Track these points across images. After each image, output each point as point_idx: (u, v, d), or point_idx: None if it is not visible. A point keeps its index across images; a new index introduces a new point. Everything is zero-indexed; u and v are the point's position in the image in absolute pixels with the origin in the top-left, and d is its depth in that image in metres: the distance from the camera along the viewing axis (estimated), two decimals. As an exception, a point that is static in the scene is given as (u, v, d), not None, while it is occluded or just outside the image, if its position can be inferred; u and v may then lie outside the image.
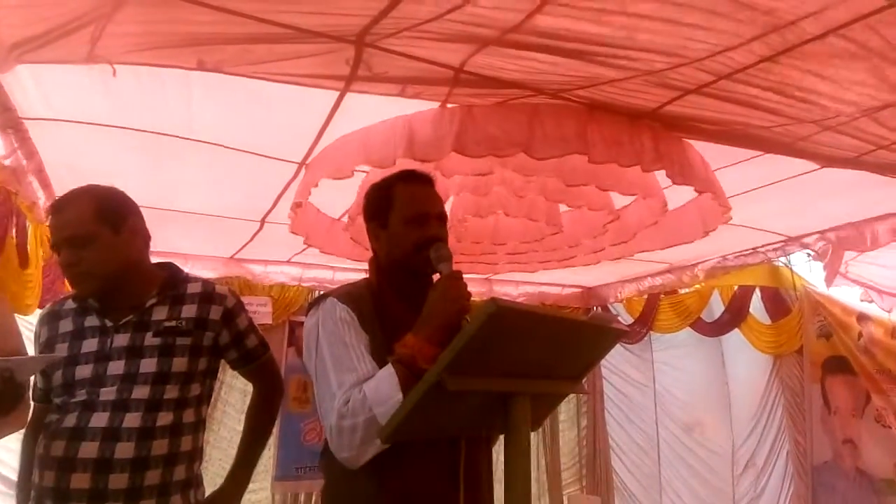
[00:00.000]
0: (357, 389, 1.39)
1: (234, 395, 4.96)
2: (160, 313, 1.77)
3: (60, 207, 1.75)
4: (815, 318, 4.81)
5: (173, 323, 1.77)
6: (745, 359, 5.38)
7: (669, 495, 5.71)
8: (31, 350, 1.92)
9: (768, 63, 1.93)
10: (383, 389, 1.35)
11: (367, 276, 1.72)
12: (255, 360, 1.96)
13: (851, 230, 3.88)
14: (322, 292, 1.88)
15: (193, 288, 1.86)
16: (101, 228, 1.73)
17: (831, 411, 4.64)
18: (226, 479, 1.96)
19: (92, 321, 1.76)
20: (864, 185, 3.04)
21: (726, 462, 5.41)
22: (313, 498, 5.06)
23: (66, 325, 1.78)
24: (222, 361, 1.94)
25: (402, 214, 1.62)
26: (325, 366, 1.46)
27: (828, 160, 2.76)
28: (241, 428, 2.06)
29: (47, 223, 1.80)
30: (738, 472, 5.30)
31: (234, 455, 2.02)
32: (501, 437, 1.32)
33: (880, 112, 2.21)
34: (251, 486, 2.05)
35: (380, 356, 1.45)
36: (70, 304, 1.82)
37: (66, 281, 3.35)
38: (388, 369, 1.38)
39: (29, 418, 1.82)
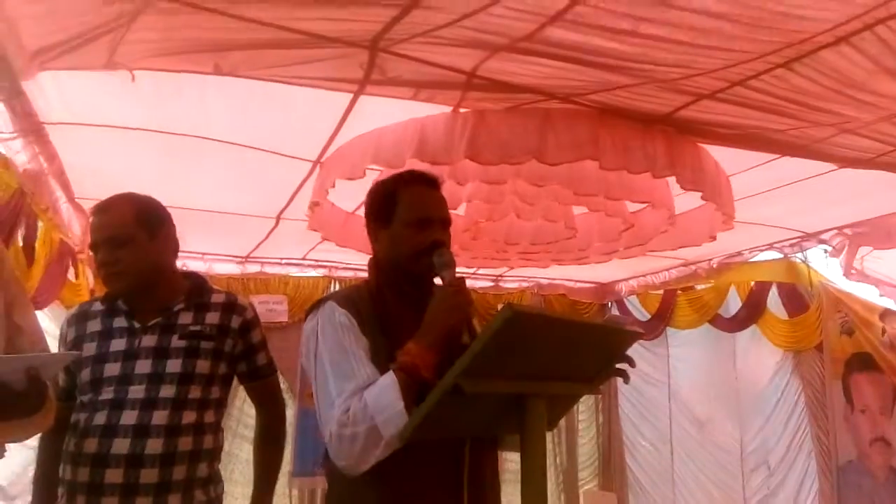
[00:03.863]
0: (357, 398, 1.36)
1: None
2: (186, 318, 1.85)
3: (104, 209, 1.84)
4: (837, 315, 4.74)
5: (198, 327, 1.84)
6: (754, 356, 5.33)
7: (681, 491, 5.70)
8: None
9: (783, 70, 1.92)
10: (385, 398, 1.32)
11: (367, 276, 1.68)
12: (261, 377, 2.00)
13: (869, 226, 3.86)
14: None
15: (217, 298, 1.94)
16: (138, 232, 1.81)
17: (855, 409, 4.57)
18: None
19: (120, 322, 1.83)
20: (881, 182, 3.01)
21: (736, 459, 5.37)
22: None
23: (94, 326, 1.85)
24: None
25: (405, 217, 1.57)
26: (325, 372, 1.44)
27: (845, 161, 2.74)
28: None
29: (89, 221, 1.87)
30: (749, 470, 5.27)
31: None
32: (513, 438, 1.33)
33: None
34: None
35: (380, 361, 1.43)
36: (98, 306, 1.89)
37: (59, 287, 3.45)
38: (390, 377, 1.35)
39: (52, 416, 1.86)
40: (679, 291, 5.64)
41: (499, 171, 2.37)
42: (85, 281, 4.04)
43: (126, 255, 1.78)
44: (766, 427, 5.13)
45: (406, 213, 1.58)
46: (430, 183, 1.66)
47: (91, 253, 1.87)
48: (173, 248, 1.94)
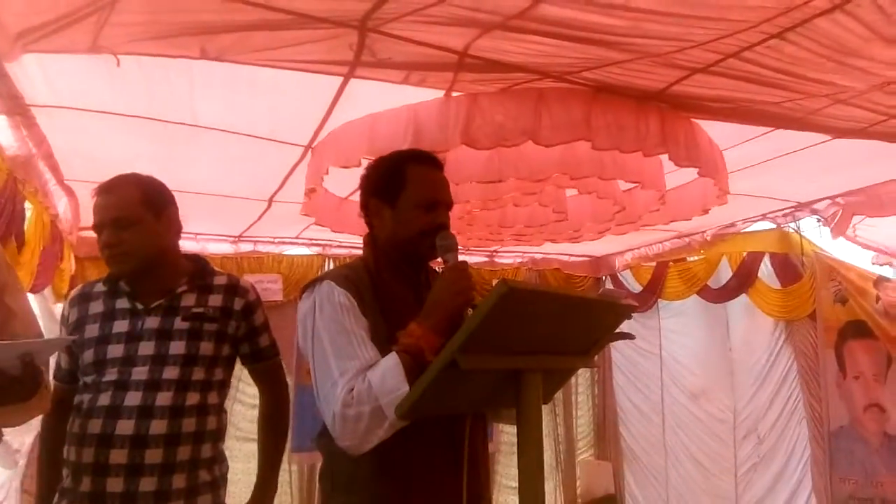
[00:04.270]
0: (361, 378, 1.36)
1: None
2: (189, 300, 1.85)
3: (108, 189, 1.82)
4: (830, 284, 4.77)
5: (201, 309, 1.84)
6: (747, 326, 5.35)
7: (672, 461, 5.79)
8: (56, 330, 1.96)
9: (776, 40, 1.91)
10: (389, 380, 1.32)
11: (363, 254, 1.66)
12: (264, 359, 2.01)
13: (862, 195, 3.87)
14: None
15: (220, 280, 1.95)
16: (144, 213, 1.81)
17: (848, 376, 4.61)
18: (255, 490, 2.03)
19: (122, 304, 1.83)
20: (874, 152, 3.01)
21: (728, 428, 5.43)
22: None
23: (96, 307, 1.84)
24: None
25: (414, 197, 1.55)
26: (325, 352, 1.43)
27: (839, 132, 2.74)
28: None
29: (93, 201, 1.84)
30: (741, 438, 5.33)
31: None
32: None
33: (892, 85, 2.19)
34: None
35: (379, 341, 1.43)
36: (100, 287, 1.88)
37: (54, 270, 3.44)
38: (394, 358, 1.35)
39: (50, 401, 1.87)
40: (671, 263, 5.66)
41: (499, 169, 2.36)
42: (69, 265, 4.01)
43: (131, 236, 1.78)
44: (757, 396, 5.19)
45: (415, 194, 1.56)
46: (437, 164, 1.65)
47: (94, 234, 1.85)
48: (176, 229, 1.94)
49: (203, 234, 4.81)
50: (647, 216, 3.22)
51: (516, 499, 1.31)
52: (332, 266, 5.38)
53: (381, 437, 1.33)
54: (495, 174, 2.43)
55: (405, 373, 1.32)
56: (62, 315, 1.91)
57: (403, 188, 1.57)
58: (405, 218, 1.56)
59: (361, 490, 1.47)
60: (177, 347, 1.77)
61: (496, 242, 4.04)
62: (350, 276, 1.54)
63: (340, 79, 2.26)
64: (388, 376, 1.33)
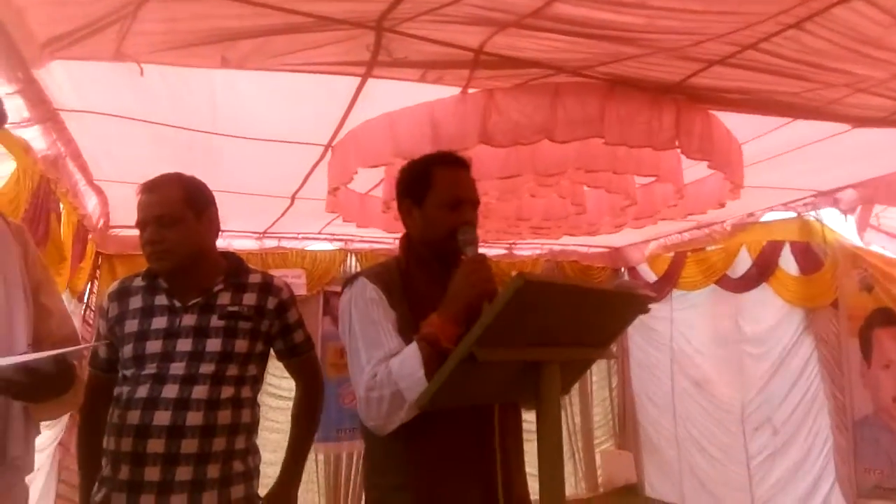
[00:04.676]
0: (384, 365, 1.47)
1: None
2: (224, 298, 1.90)
3: (151, 188, 1.88)
4: (855, 272, 4.69)
5: (236, 308, 1.89)
6: (761, 317, 5.27)
7: (685, 451, 5.76)
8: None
9: (795, 30, 1.89)
10: (407, 366, 1.43)
11: (398, 253, 1.76)
12: (298, 354, 2.06)
13: (883, 183, 3.82)
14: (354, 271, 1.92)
15: (254, 279, 1.99)
16: (186, 212, 1.86)
17: (874, 365, 4.53)
18: (279, 477, 2.07)
19: (161, 300, 1.88)
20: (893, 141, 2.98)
21: (737, 419, 5.37)
22: (354, 457, 5.26)
23: (135, 302, 1.90)
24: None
25: (439, 198, 1.65)
26: (357, 342, 1.56)
27: (859, 121, 2.71)
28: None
29: (137, 199, 1.89)
30: (754, 428, 5.28)
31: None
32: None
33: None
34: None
35: (407, 333, 1.52)
36: (139, 282, 1.94)
37: (77, 269, 3.50)
38: (413, 347, 1.45)
39: (83, 393, 1.93)
40: (689, 253, 5.62)
41: (516, 165, 2.37)
42: (88, 264, 4.09)
43: (173, 234, 1.83)
44: (771, 386, 5.12)
45: (439, 194, 1.65)
46: (461, 164, 1.73)
47: (138, 230, 1.90)
48: (216, 229, 1.98)
49: (229, 230, 4.89)
50: (665, 211, 3.21)
51: (535, 484, 1.35)
52: (353, 260, 5.48)
53: (402, 419, 1.44)
54: (512, 170, 2.44)
55: (422, 360, 1.41)
56: (102, 308, 1.98)
57: (429, 189, 1.66)
58: (432, 216, 1.66)
59: (395, 474, 1.57)
60: (213, 345, 1.82)
61: (514, 236, 4.05)
62: (381, 273, 1.67)
63: (358, 79, 2.29)
64: (406, 363, 1.44)
